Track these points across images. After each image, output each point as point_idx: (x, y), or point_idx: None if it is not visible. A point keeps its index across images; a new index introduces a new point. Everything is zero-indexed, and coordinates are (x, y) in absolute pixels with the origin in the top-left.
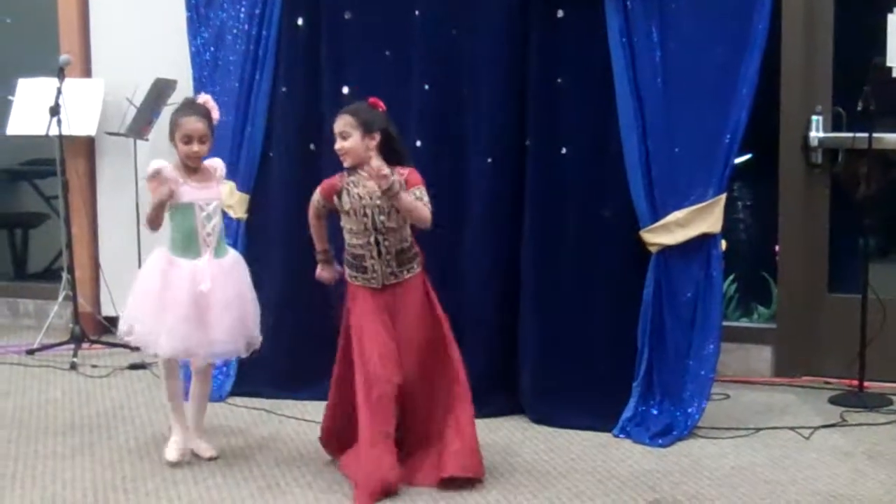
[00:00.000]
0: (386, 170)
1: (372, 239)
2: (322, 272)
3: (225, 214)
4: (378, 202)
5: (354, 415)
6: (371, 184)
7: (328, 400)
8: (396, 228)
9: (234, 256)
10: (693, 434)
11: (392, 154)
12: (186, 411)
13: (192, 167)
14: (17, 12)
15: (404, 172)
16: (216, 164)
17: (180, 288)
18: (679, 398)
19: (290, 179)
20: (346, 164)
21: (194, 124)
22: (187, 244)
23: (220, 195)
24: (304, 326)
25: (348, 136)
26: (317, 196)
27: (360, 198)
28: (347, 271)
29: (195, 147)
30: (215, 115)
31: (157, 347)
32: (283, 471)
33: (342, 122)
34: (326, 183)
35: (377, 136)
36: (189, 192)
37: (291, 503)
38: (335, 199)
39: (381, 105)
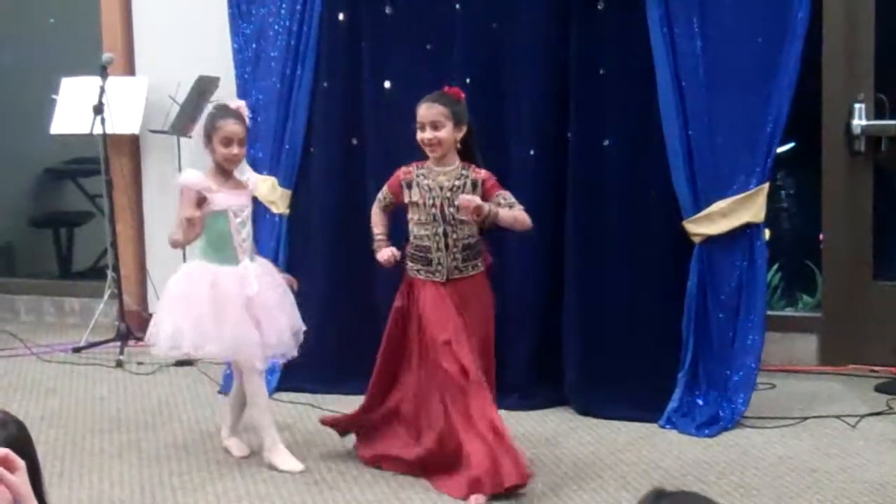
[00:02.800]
0: (476, 200)
1: (440, 230)
2: (381, 254)
3: (267, 210)
4: (448, 194)
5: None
6: (442, 177)
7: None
8: (466, 221)
9: (264, 260)
10: (739, 424)
11: (468, 150)
12: (228, 410)
13: (226, 173)
14: (60, 12)
15: (481, 174)
16: (252, 178)
17: (233, 293)
18: (724, 388)
19: (332, 174)
20: (434, 155)
21: (233, 126)
22: (223, 252)
23: (250, 203)
24: (347, 321)
25: (441, 126)
26: (384, 192)
27: (430, 189)
28: (409, 265)
29: (235, 150)
30: (246, 120)
31: (223, 356)
32: (329, 466)
33: (434, 112)
34: (394, 178)
35: (464, 129)
36: (224, 199)
37: (338, 497)
38: (403, 189)
39: (462, 95)
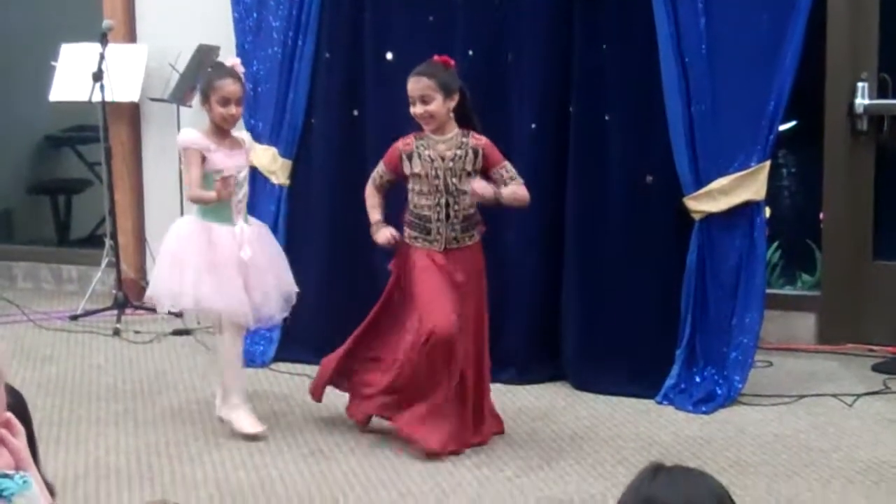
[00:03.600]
0: (488, 191)
1: (442, 201)
2: (379, 236)
3: (267, 180)
4: (451, 164)
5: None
6: (442, 146)
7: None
8: (468, 192)
9: (258, 222)
10: (736, 401)
11: (464, 117)
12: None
13: (223, 133)
14: None
15: (481, 141)
16: (243, 136)
17: (228, 252)
18: (722, 365)
19: (332, 145)
20: (428, 129)
21: (231, 86)
22: (220, 212)
23: (247, 164)
24: (346, 292)
25: (431, 99)
26: (380, 169)
27: (432, 160)
28: (408, 232)
29: (233, 109)
30: (243, 79)
31: (217, 312)
32: (326, 436)
33: (421, 85)
34: (391, 153)
35: (456, 98)
36: (221, 159)
37: (334, 468)
38: (404, 162)
39: (451, 62)
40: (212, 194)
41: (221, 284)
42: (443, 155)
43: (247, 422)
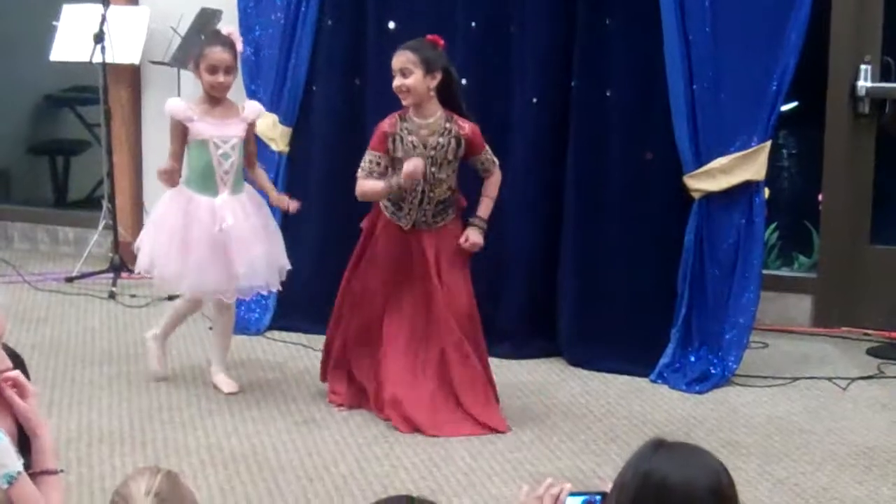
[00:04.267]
0: (478, 243)
1: (419, 188)
2: (409, 163)
3: (266, 147)
4: (432, 153)
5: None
6: (425, 131)
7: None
8: (445, 179)
9: (250, 191)
10: (730, 382)
11: (450, 98)
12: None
13: (214, 101)
14: None
15: (465, 128)
16: (254, 108)
17: (202, 226)
18: (717, 345)
19: (333, 114)
20: (405, 103)
21: (220, 55)
22: (204, 181)
23: (240, 133)
24: (343, 261)
25: (410, 73)
26: (373, 157)
27: (414, 146)
28: (382, 201)
29: (220, 78)
30: (239, 46)
31: (183, 287)
32: (319, 405)
33: (403, 59)
34: (378, 137)
35: (438, 76)
36: (205, 128)
37: (327, 438)
38: (388, 142)
39: (441, 42)
40: (167, 167)
41: (189, 258)
42: (425, 142)
43: (225, 382)
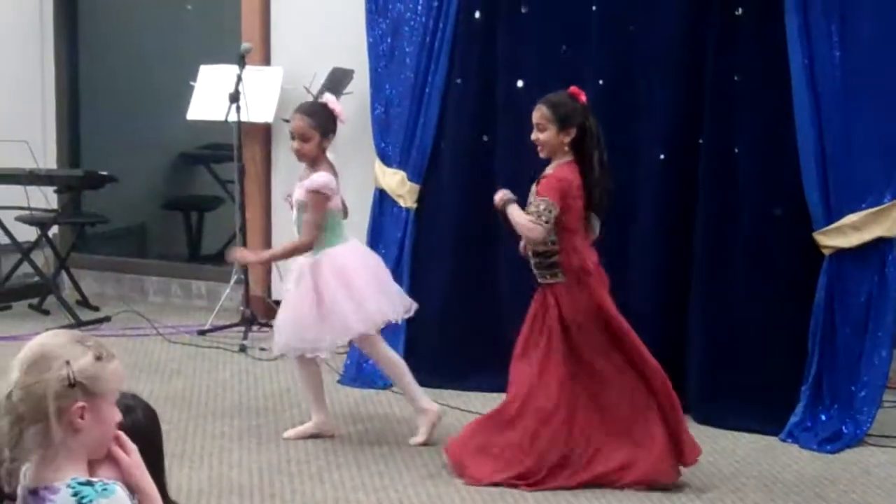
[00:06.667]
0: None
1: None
2: None
3: (394, 204)
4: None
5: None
6: None
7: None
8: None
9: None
10: (863, 442)
11: (583, 152)
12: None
13: (308, 165)
14: (198, 0)
15: (548, 174)
16: (313, 178)
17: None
18: (849, 404)
19: (461, 171)
20: (541, 155)
21: (295, 122)
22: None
23: (300, 197)
24: (469, 316)
25: (544, 128)
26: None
27: None
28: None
29: (295, 145)
30: (339, 113)
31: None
32: (445, 459)
33: (538, 114)
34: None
35: (573, 132)
36: (294, 190)
37: (452, 493)
38: None
39: (583, 96)
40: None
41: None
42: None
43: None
